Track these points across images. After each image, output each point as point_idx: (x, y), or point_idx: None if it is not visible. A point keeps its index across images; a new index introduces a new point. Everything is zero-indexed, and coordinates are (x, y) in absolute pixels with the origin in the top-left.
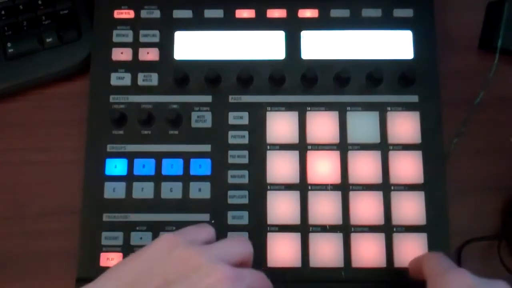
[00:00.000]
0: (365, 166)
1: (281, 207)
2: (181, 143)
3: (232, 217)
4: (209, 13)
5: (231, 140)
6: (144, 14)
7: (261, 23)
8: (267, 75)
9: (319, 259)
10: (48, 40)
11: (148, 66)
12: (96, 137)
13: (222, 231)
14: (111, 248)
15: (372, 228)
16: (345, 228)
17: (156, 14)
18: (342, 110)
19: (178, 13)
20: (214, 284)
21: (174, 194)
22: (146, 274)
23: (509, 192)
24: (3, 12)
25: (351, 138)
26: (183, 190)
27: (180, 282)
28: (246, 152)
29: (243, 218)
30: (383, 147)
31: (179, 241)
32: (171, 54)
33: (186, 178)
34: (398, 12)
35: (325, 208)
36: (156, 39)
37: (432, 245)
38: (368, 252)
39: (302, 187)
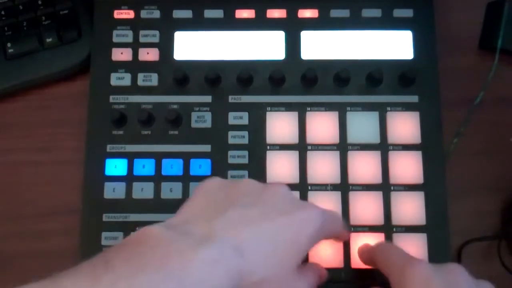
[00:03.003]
0: (365, 166)
1: None
2: (181, 143)
3: None
4: (209, 13)
5: (231, 140)
6: (144, 14)
7: (261, 23)
8: (267, 75)
9: (319, 259)
10: (48, 40)
11: (148, 66)
12: (96, 137)
13: None
14: None
15: (372, 228)
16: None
17: (156, 14)
18: (342, 110)
19: (178, 13)
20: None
21: (174, 194)
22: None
23: (509, 192)
24: (3, 12)
25: (351, 138)
26: (183, 190)
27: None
28: (246, 152)
29: None
30: (383, 147)
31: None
32: (171, 54)
33: (186, 178)
34: (398, 12)
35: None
36: (156, 39)
37: (432, 245)
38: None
39: (302, 187)
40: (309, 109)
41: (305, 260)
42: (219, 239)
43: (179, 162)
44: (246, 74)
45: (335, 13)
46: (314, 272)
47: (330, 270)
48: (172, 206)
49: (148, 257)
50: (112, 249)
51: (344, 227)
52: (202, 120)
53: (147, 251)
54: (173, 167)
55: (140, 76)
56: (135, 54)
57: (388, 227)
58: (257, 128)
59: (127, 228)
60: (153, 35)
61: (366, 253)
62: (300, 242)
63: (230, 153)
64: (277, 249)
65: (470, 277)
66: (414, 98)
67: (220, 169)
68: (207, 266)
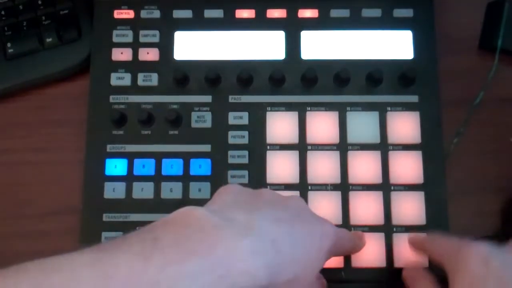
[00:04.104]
0: (365, 166)
1: None
2: (181, 143)
3: None
4: (209, 13)
5: (231, 140)
6: (144, 14)
7: (261, 23)
8: (267, 75)
9: None
10: (48, 40)
11: (148, 66)
12: (96, 137)
13: None
14: None
15: (372, 228)
16: (345, 228)
17: (156, 14)
18: (342, 110)
19: (178, 13)
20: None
21: (174, 194)
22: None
23: (509, 192)
24: (3, 12)
25: (351, 138)
26: (183, 190)
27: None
28: (246, 152)
29: None
30: (383, 147)
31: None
32: (171, 54)
33: (186, 178)
34: (398, 12)
35: (325, 208)
36: (156, 39)
37: None
38: (368, 252)
39: (302, 187)
40: (309, 109)
41: None
42: (259, 231)
43: (179, 162)
44: (246, 74)
45: (335, 13)
46: (323, 285)
47: (330, 270)
48: (172, 206)
49: (196, 241)
50: (158, 224)
51: (355, 247)
52: (202, 120)
53: (195, 235)
54: (173, 167)
55: (140, 76)
56: (135, 54)
57: (388, 227)
58: (257, 128)
59: (127, 228)
60: (153, 35)
61: (418, 243)
62: (323, 251)
63: (230, 153)
64: (307, 252)
65: None
66: (414, 98)
67: (220, 169)
68: (249, 256)
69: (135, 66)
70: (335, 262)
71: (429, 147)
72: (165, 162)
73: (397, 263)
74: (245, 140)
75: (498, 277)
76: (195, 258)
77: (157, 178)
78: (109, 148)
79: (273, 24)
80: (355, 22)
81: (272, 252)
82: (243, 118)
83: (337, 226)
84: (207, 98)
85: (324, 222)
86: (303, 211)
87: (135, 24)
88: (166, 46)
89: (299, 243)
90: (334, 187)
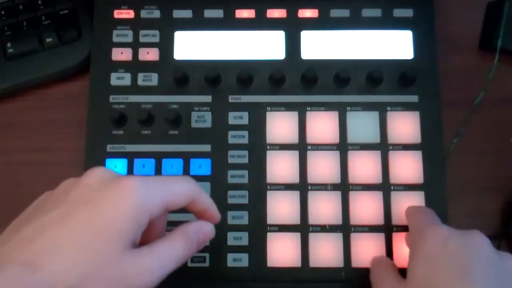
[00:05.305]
0: (365, 166)
1: (281, 207)
2: (181, 143)
3: (232, 217)
4: (209, 13)
5: (231, 140)
6: (144, 14)
7: (261, 23)
8: (267, 75)
9: (319, 259)
10: (48, 40)
11: (148, 66)
12: (96, 137)
13: (222, 231)
14: None
15: (372, 228)
16: (345, 228)
17: (156, 14)
18: (342, 110)
19: (178, 13)
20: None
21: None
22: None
23: (509, 192)
24: (3, 12)
25: (351, 138)
26: None
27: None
28: (246, 152)
29: (243, 218)
30: (383, 147)
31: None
32: (171, 54)
33: None
34: (398, 12)
35: (325, 208)
36: (156, 39)
37: None
38: (368, 252)
39: (302, 187)
40: (309, 109)
41: (307, 259)
42: (9, 261)
43: (179, 162)
44: (246, 74)
45: (335, 13)
46: (171, 243)
47: (330, 270)
48: None
49: None
50: None
51: (198, 194)
52: (202, 120)
53: None
54: (173, 167)
55: (140, 76)
56: (135, 54)
57: (388, 227)
58: (257, 128)
59: None
60: (153, 35)
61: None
62: (117, 223)
63: (230, 153)
64: (84, 244)
65: (490, 244)
66: (414, 98)
67: (220, 169)
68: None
69: (135, 66)
70: (335, 261)
71: (429, 147)
72: (165, 162)
73: (397, 263)
74: (245, 140)
75: (453, 255)
76: None
77: None
78: (109, 148)
79: (273, 24)
80: (355, 22)
81: (27, 275)
82: (243, 118)
83: (337, 226)
84: (207, 98)
85: (120, 183)
86: (92, 187)
87: (135, 24)
88: (166, 46)
89: (68, 244)
90: (334, 187)
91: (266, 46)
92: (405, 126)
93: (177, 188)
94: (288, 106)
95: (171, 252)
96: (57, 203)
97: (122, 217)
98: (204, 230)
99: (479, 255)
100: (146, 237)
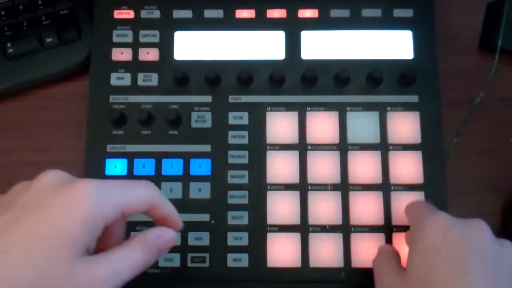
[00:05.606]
0: (365, 166)
1: (281, 207)
2: (181, 143)
3: (232, 217)
4: (209, 13)
5: (231, 140)
6: (144, 14)
7: (261, 23)
8: (267, 75)
9: (319, 259)
10: (48, 40)
11: (148, 66)
12: (96, 137)
13: (222, 231)
14: None
15: (372, 228)
16: (345, 228)
17: (156, 14)
18: (342, 110)
19: (178, 13)
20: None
21: (174, 194)
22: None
23: (509, 192)
24: (3, 12)
25: (351, 138)
26: (183, 190)
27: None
28: (246, 152)
29: (243, 218)
30: (383, 147)
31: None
32: (171, 54)
33: (186, 178)
34: (398, 12)
35: (325, 208)
36: (156, 39)
37: None
38: (368, 252)
39: (302, 187)
40: (309, 109)
41: (307, 259)
42: None
43: (179, 162)
44: (246, 74)
45: (335, 13)
46: (128, 250)
47: (330, 270)
48: None
49: None
50: None
51: (158, 199)
52: (202, 120)
53: None
54: (173, 167)
55: (140, 76)
56: (135, 54)
57: (388, 227)
58: (257, 128)
59: (127, 228)
60: (153, 35)
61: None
62: (68, 230)
63: (230, 153)
64: (33, 252)
65: (491, 233)
66: (414, 98)
67: (220, 169)
68: None
69: (135, 66)
70: (335, 262)
71: (429, 147)
72: (165, 162)
73: None
74: (245, 140)
75: (452, 247)
76: None
77: (157, 178)
78: (109, 148)
79: (273, 24)
80: (355, 22)
81: None
82: (243, 118)
83: (337, 226)
84: (207, 98)
85: (73, 187)
86: (45, 190)
87: (135, 24)
88: (166, 46)
89: (16, 251)
90: (334, 187)
91: (266, 46)
92: (405, 126)
93: (135, 192)
94: (288, 106)
95: (128, 260)
96: (7, 207)
97: (73, 223)
98: (165, 237)
99: (478, 248)
100: (103, 243)
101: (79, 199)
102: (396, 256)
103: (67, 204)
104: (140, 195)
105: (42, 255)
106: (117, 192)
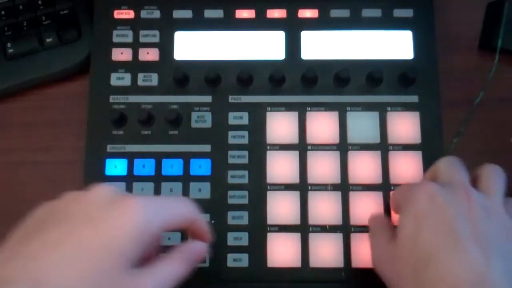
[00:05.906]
0: (365, 166)
1: (281, 207)
2: (181, 143)
3: (232, 217)
4: (209, 13)
5: (231, 140)
6: (144, 14)
7: (261, 23)
8: (267, 75)
9: (319, 259)
10: (48, 40)
11: (148, 66)
12: (96, 137)
13: (222, 231)
14: None
15: None
16: (345, 228)
17: (156, 14)
18: (342, 110)
19: (178, 13)
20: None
21: (174, 194)
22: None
23: (509, 192)
24: (3, 12)
25: (351, 138)
26: (183, 190)
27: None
28: (246, 152)
29: (243, 218)
30: (383, 147)
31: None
32: (171, 54)
33: (186, 178)
34: (398, 12)
35: (325, 208)
36: (156, 39)
37: None
38: (368, 252)
39: (302, 187)
40: (309, 109)
41: (307, 259)
42: (14, 280)
43: (179, 162)
44: (246, 74)
45: (335, 13)
46: (170, 263)
47: (330, 270)
48: None
49: None
50: None
51: (195, 215)
52: (202, 120)
53: None
54: (173, 167)
55: (140, 76)
56: (135, 54)
57: None
58: (257, 128)
59: None
60: (153, 35)
61: (391, 201)
62: (119, 243)
63: (230, 153)
64: (88, 263)
65: (477, 196)
66: (414, 98)
67: (220, 169)
68: None
69: (135, 66)
70: (335, 262)
71: (429, 147)
72: (165, 162)
73: None
74: (245, 140)
75: (439, 213)
76: None
77: (157, 178)
78: (109, 148)
79: (273, 24)
80: (355, 22)
81: None
82: (243, 118)
83: (337, 226)
84: (207, 98)
85: (123, 203)
86: (93, 206)
87: (135, 24)
88: (166, 46)
89: (72, 262)
90: (334, 187)
91: (266, 46)
92: (405, 126)
93: (177, 209)
94: (288, 106)
95: (170, 273)
96: (60, 220)
97: (125, 237)
98: (201, 251)
99: (465, 211)
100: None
101: (130, 214)
102: (389, 225)
103: (117, 218)
104: (182, 212)
105: (97, 267)
106: (163, 209)
